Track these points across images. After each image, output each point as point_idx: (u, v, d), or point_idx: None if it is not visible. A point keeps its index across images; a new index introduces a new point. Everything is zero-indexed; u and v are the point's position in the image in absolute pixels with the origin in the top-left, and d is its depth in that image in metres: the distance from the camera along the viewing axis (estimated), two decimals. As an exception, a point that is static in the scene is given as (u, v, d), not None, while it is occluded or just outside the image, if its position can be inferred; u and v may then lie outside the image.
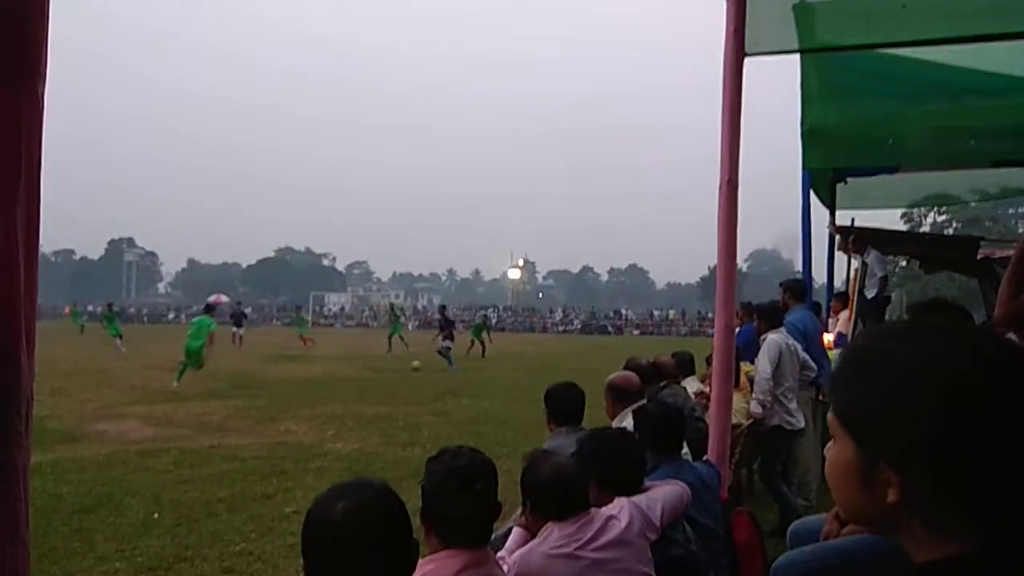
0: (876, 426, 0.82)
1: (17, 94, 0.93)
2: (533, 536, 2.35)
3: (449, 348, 19.15)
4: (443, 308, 21.97)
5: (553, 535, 2.23)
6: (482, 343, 25.01)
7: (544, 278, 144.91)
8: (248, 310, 78.42)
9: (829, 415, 0.91)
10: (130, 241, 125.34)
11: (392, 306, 35.17)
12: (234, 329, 29.86)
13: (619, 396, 3.97)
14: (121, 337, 23.52)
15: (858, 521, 0.90)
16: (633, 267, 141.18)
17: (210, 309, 16.20)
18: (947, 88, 5.33)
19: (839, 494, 0.91)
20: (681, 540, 2.58)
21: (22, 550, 0.91)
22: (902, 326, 0.87)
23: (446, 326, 19.74)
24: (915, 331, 0.84)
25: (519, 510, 2.57)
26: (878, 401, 0.82)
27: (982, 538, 0.78)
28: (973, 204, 32.89)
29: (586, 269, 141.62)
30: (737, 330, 8.67)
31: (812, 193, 7.69)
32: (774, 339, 5.47)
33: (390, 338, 26.84)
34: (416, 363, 18.57)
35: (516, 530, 2.53)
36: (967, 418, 0.75)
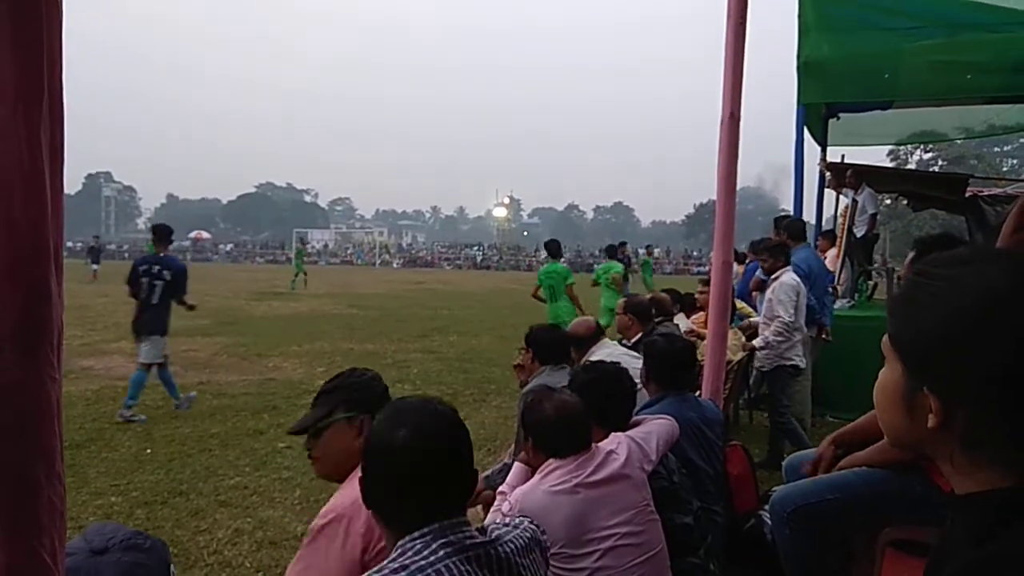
0: (928, 353, 0.82)
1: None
2: (534, 472, 2.37)
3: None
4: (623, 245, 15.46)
5: (555, 472, 2.24)
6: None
7: (529, 216, 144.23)
8: (230, 247, 78.16)
9: (885, 337, 0.90)
10: (107, 175, 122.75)
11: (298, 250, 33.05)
12: (93, 266, 28.96)
13: (644, 316, 3.94)
14: None
15: (902, 445, 0.91)
16: (618, 205, 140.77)
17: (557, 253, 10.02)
18: (945, 21, 5.24)
19: (884, 416, 0.92)
20: (664, 473, 2.61)
21: (59, 485, 0.90)
22: (965, 254, 0.84)
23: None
24: (981, 260, 0.82)
25: (511, 447, 2.57)
26: (936, 329, 0.81)
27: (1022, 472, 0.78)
28: (959, 142, 33.01)
29: (571, 207, 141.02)
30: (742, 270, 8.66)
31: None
32: (790, 282, 5.38)
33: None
34: None
35: (517, 465, 2.54)
36: None
